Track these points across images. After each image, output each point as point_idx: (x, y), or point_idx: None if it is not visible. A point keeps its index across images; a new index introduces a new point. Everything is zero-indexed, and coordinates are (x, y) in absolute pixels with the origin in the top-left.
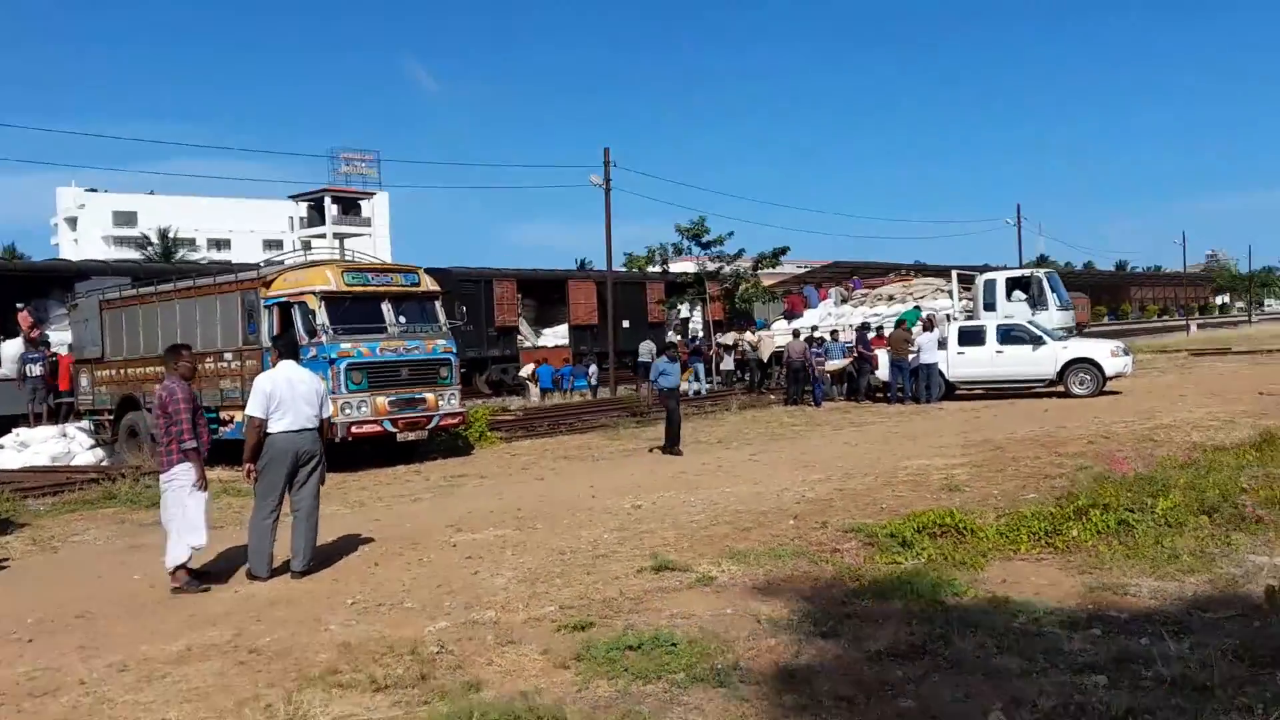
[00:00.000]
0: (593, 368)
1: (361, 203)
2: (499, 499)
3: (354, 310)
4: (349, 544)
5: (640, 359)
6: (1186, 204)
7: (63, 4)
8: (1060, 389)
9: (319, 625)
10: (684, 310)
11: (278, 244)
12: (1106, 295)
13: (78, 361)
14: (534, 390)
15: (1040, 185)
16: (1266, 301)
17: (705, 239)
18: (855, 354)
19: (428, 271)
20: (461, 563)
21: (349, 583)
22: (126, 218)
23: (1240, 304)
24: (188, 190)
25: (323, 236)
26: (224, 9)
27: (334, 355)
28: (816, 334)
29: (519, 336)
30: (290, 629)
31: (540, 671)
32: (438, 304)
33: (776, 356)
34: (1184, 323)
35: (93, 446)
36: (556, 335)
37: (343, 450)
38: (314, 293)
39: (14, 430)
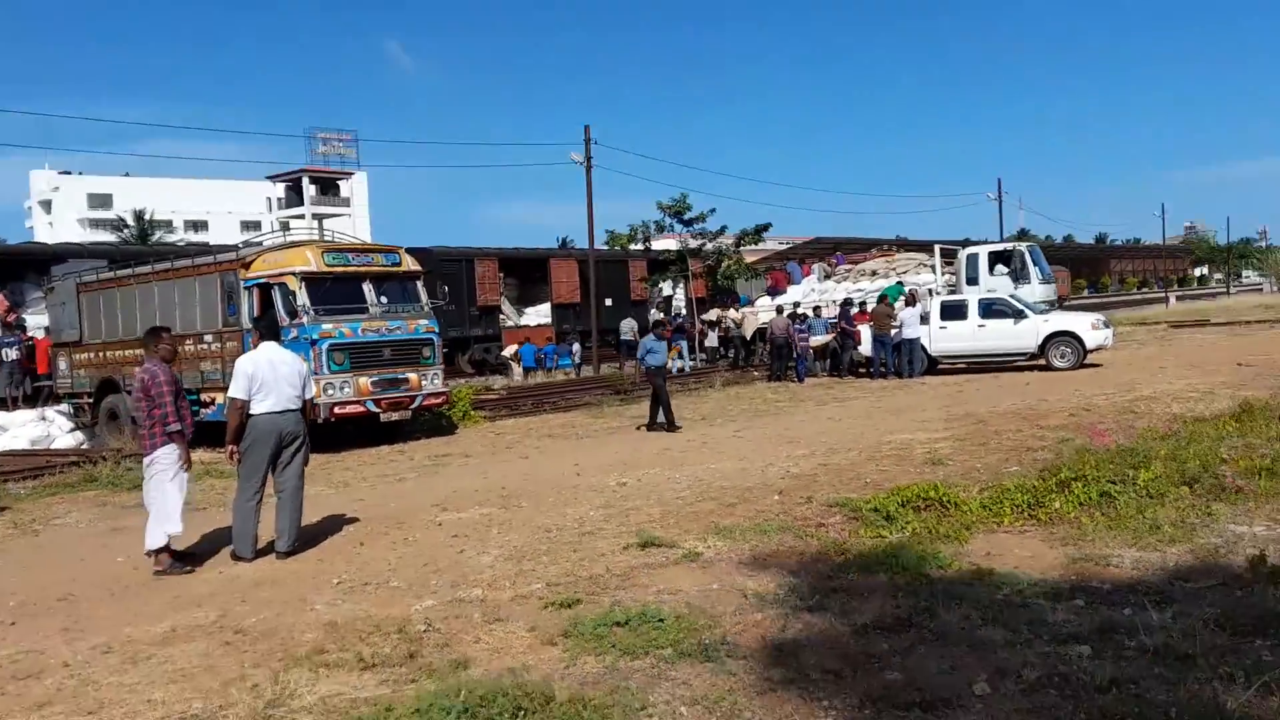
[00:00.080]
0: (576, 346)
1: (340, 183)
2: (484, 478)
3: (335, 291)
4: (334, 524)
5: (623, 337)
6: (1165, 176)
7: None
8: (1042, 362)
9: (305, 605)
10: (667, 288)
11: (256, 225)
12: (1086, 268)
13: (56, 345)
14: (517, 369)
15: (1021, 160)
16: (1244, 273)
17: (687, 216)
18: (838, 330)
19: (408, 251)
20: (447, 541)
21: (334, 563)
22: (101, 200)
23: (1219, 276)
24: (164, 172)
25: (301, 217)
26: None
27: (315, 336)
28: (799, 310)
29: (501, 316)
30: (276, 609)
31: (528, 648)
32: (419, 284)
33: (760, 333)
34: (1163, 295)
35: (72, 430)
36: (539, 314)
37: (326, 431)
38: (294, 274)
39: None
